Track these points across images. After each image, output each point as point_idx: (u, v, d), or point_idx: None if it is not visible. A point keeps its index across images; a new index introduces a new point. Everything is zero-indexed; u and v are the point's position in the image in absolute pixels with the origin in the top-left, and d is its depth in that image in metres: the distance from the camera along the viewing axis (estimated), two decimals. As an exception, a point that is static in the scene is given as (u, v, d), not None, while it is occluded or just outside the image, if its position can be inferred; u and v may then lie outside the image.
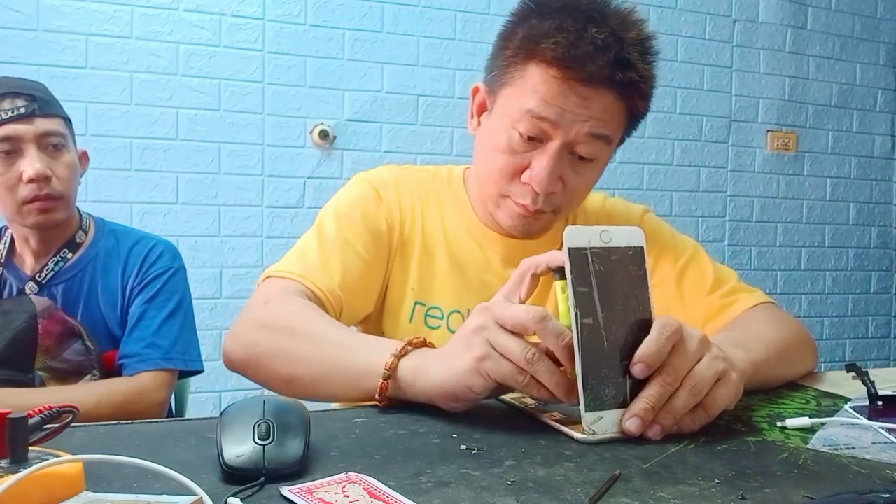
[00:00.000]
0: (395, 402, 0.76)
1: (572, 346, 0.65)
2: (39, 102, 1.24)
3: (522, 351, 0.66)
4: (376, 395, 0.74)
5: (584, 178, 0.98)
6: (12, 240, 1.32)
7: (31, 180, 1.22)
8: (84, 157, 1.36)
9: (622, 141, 1.02)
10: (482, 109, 1.03)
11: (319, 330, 0.84)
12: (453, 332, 1.02)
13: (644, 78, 0.93)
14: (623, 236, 0.70)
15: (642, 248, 0.70)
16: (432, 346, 0.78)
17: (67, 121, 1.31)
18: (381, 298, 1.05)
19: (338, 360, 0.79)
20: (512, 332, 0.67)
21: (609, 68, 0.89)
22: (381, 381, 0.74)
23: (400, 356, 0.74)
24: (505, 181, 0.97)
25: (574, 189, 0.98)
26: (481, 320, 0.69)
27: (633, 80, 0.91)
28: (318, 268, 0.96)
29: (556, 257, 0.70)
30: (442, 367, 0.71)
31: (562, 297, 0.68)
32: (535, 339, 0.69)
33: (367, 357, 0.76)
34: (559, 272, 0.68)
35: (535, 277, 0.73)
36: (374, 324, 1.06)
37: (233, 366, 0.90)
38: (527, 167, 0.95)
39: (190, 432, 0.68)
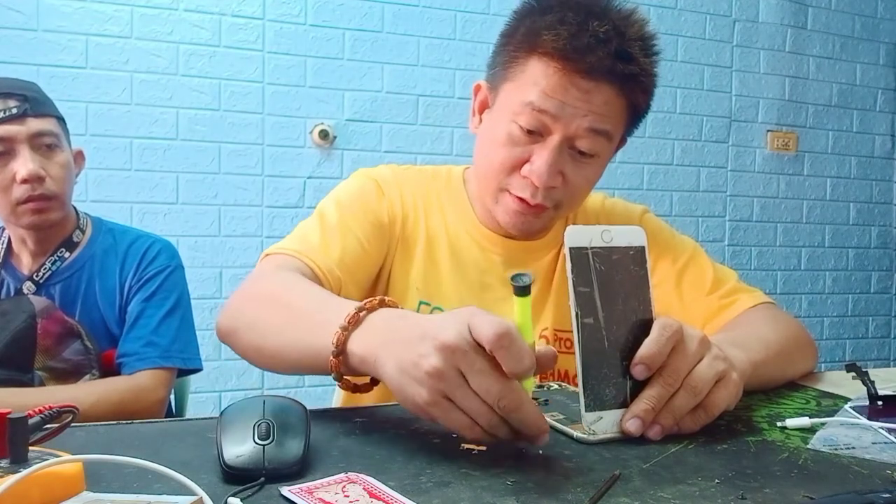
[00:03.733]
0: (370, 383, 0.70)
1: (525, 369, 0.57)
2: (31, 102, 1.23)
3: (483, 415, 0.58)
4: (331, 374, 0.67)
5: (584, 174, 0.98)
6: (9, 240, 1.32)
7: (24, 181, 1.21)
8: (79, 156, 1.36)
9: (624, 140, 1.02)
10: (484, 107, 1.03)
11: (296, 297, 0.79)
12: None
13: (645, 72, 0.94)
14: (624, 236, 0.70)
15: (643, 247, 0.70)
16: (394, 304, 0.68)
17: (61, 120, 1.30)
18: (384, 294, 1.05)
19: (296, 333, 0.73)
20: (476, 392, 0.57)
21: (609, 60, 0.89)
22: (332, 358, 0.66)
23: (350, 328, 0.65)
24: (504, 174, 0.97)
25: (574, 185, 0.98)
26: (441, 365, 0.57)
27: (633, 73, 0.92)
28: (318, 247, 0.95)
29: (514, 280, 0.62)
30: (394, 376, 0.60)
31: (519, 313, 0.61)
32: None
33: (320, 330, 0.68)
34: (519, 289, 0.61)
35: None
36: None
37: (219, 335, 0.87)
38: (527, 161, 0.95)
39: (190, 432, 0.68)
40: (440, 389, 0.57)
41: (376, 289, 1.05)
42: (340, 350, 0.65)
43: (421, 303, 1.04)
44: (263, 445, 0.56)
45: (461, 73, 2.83)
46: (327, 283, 0.92)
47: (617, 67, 0.90)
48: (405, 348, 0.60)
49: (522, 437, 0.60)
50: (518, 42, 0.95)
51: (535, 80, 0.92)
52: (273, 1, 2.62)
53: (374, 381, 0.71)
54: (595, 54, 0.89)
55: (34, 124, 1.23)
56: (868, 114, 3.53)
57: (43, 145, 1.25)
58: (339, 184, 1.09)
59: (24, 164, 1.21)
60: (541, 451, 0.63)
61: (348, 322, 0.65)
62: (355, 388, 0.71)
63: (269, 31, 2.62)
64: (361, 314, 0.66)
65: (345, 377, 0.69)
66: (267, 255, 0.96)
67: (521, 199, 0.97)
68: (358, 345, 0.65)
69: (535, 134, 0.94)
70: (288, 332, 0.75)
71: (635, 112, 0.98)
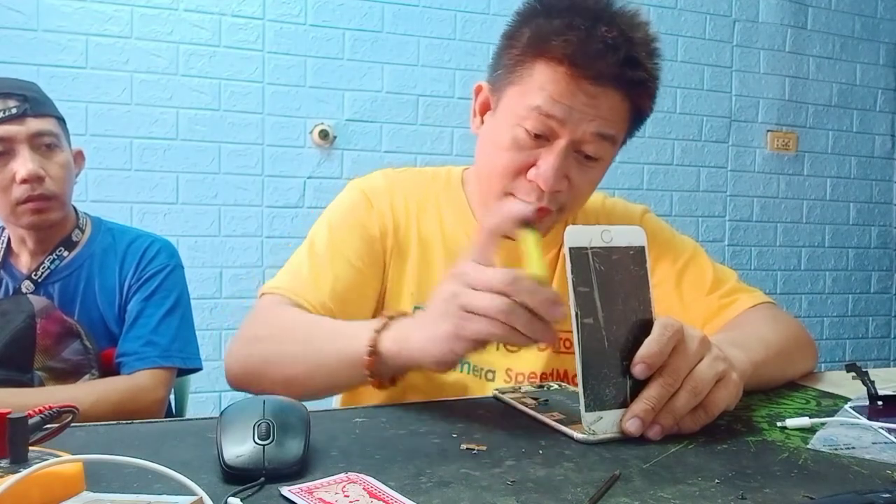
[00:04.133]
0: (391, 380, 0.79)
1: (550, 299, 0.67)
2: (31, 102, 1.23)
3: (496, 305, 0.67)
4: (366, 372, 0.77)
5: (589, 177, 0.98)
6: (9, 240, 1.32)
7: (24, 181, 1.21)
8: (79, 156, 1.36)
9: (625, 142, 1.02)
10: (485, 108, 1.02)
11: (303, 327, 0.88)
12: None
13: (652, 77, 0.94)
14: (624, 236, 0.70)
15: (643, 247, 0.70)
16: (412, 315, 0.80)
17: (61, 120, 1.30)
18: (381, 304, 1.05)
19: (326, 349, 0.83)
20: (484, 289, 0.68)
21: (618, 67, 0.89)
22: (367, 357, 0.76)
23: (381, 331, 0.76)
24: (509, 179, 0.97)
25: (579, 188, 0.98)
26: (454, 288, 0.70)
27: (641, 79, 0.92)
28: (309, 282, 0.98)
29: (515, 209, 0.75)
30: (422, 335, 0.73)
31: (532, 249, 0.74)
32: None
33: (351, 340, 0.78)
34: (523, 222, 0.74)
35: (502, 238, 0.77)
36: None
37: (234, 383, 0.92)
38: (532, 165, 0.95)
39: (190, 432, 0.68)
40: (459, 305, 0.68)
41: (381, 302, 1.06)
42: (374, 350, 0.75)
43: (416, 307, 1.03)
44: (263, 445, 0.56)
45: (461, 73, 2.83)
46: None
47: (625, 74, 0.90)
48: (432, 314, 0.72)
49: (540, 326, 0.67)
50: (524, 45, 0.94)
51: (542, 84, 0.91)
52: (273, 1, 2.62)
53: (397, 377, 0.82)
54: (604, 61, 0.89)
55: (34, 124, 1.23)
56: (868, 114, 3.53)
57: (43, 145, 1.25)
58: (333, 201, 1.11)
59: (23, 164, 1.21)
60: (541, 452, 0.63)
61: (381, 327, 0.77)
62: (380, 385, 0.80)
63: (269, 31, 2.62)
64: (391, 321, 0.77)
65: (376, 377, 0.78)
66: (262, 294, 0.99)
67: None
68: (389, 340, 0.75)
69: (542, 138, 0.93)
70: (317, 353, 0.83)
71: (639, 115, 0.98)
